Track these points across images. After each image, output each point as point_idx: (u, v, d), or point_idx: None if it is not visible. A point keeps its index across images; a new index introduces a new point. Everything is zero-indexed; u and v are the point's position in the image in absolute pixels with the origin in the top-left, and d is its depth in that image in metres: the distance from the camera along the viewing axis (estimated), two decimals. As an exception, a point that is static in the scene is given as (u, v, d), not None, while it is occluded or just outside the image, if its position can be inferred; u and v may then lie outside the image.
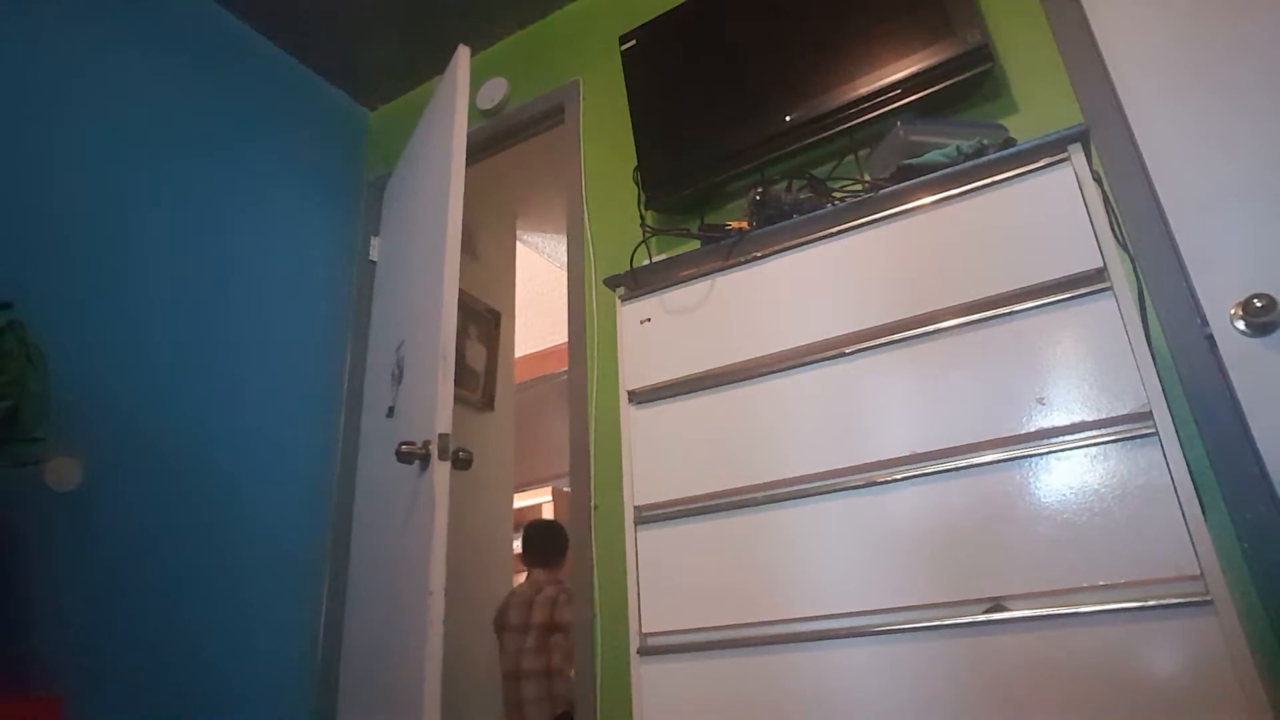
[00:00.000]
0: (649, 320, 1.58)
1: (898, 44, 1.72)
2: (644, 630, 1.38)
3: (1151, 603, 1.02)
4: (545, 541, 3.02)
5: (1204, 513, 1.04)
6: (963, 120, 1.70)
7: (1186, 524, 1.03)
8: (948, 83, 1.65)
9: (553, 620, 2.78)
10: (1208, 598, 0.99)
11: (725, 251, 1.54)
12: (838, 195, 1.54)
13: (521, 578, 3.17)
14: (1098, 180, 1.38)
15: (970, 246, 1.29)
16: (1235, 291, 1.30)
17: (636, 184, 2.08)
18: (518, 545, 3.29)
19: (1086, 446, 1.12)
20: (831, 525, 1.26)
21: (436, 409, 1.73)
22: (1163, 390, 1.10)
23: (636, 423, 1.52)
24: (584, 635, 1.87)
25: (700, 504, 1.40)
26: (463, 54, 2.11)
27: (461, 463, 1.74)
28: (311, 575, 2.32)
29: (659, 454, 1.47)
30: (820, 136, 1.78)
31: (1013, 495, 1.14)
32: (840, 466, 1.29)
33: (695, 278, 1.56)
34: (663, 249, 2.04)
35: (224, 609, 2.05)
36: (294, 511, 2.32)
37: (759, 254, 1.49)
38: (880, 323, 1.32)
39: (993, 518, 1.15)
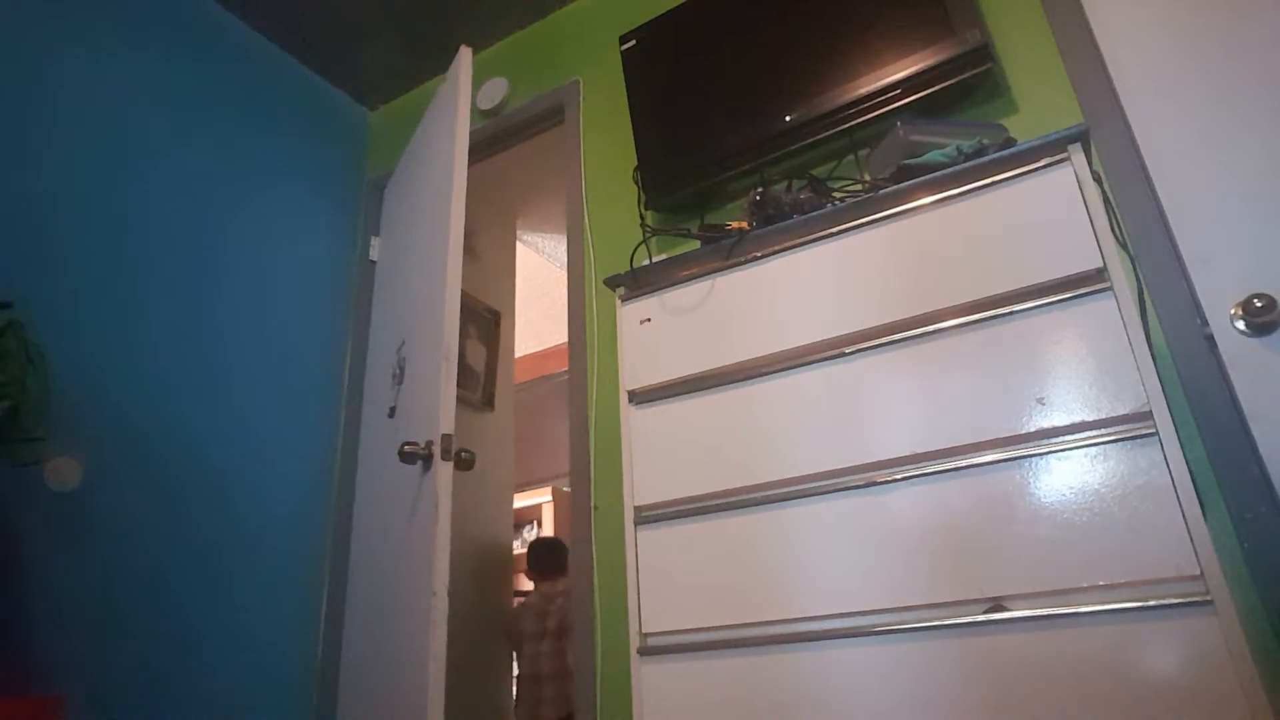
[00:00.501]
0: (649, 320, 1.58)
1: (898, 44, 1.72)
2: (644, 630, 1.38)
3: (1151, 603, 1.02)
4: (551, 556, 3.32)
5: (1204, 513, 1.04)
6: (963, 120, 1.70)
7: (1186, 524, 1.03)
8: (948, 83, 1.65)
9: (564, 626, 3.05)
10: (1208, 598, 0.99)
11: (725, 251, 1.54)
12: (838, 195, 1.54)
13: (521, 580, 3.26)
14: (1098, 180, 1.38)
15: (970, 246, 1.29)
16: (1235, 291, 1.30)
17: (636, 184, 2.09)
18: (518, 546, 3.35)
19: (1086, 446, 1.12)
20: (831, 525, 1.27)
21: (439, 409, 1.73)
22: (1163, 390, 1.10)
23: (636, 423, 1.52)
24: (584, 635, 1.87)
25: (700, 504, 1.40)
26: (465, 54, 2.11)
27: (464, 463, 1.74)
28: (311, 575, 2.32)
29: (659, 454, 1.47)
30: (820, 136, 1.78)
31: (1013, 495, 1.14)
32: (840, 466, 1.29)
33: (695, 278, 1.56)
34: (663, 249, 2.04)
35: (224, 609, 2.05)
36: (294, 511, 2.32)
37: (759, 254, 1.49)
38: (880, 323, 1.32)
39: (993, 518, 1.15)
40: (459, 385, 1.87)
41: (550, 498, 5.09)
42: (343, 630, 2.25)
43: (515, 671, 3.23)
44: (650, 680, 1.34)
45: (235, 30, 2.60)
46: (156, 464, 1.99)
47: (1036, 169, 1.27)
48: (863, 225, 1.40)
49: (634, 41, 2.17)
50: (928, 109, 1.69)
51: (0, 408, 1.42)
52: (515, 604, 3.42)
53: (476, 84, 2.65)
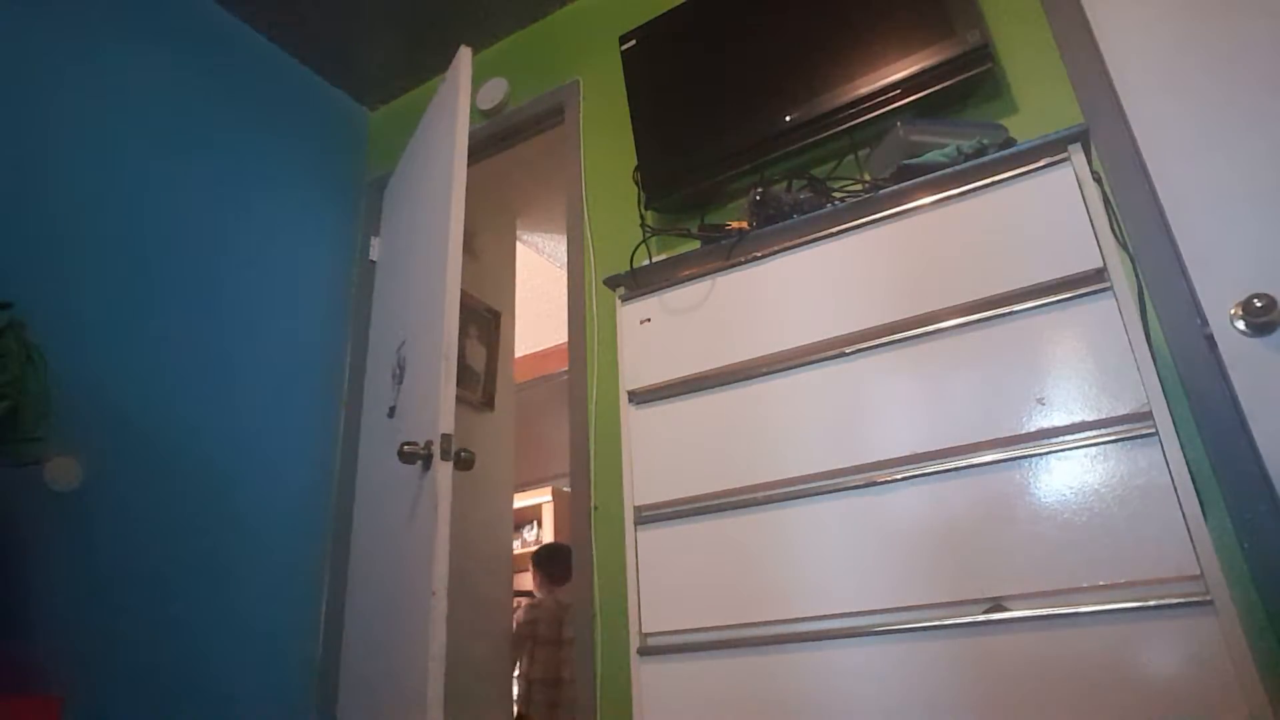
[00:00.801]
0: (649, 320, 1.58)
1: (898, 44, 1.72)
2: (644, 630, 1.38)
3: (1151, 603, 1.02)
4: (560, 562, 3.49)
5: (1204, 513, 1.04)
6: (963, 120, 1.70)
7: (1186, 524, 1.03)
8: (948, 83, 1.65)
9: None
10: (1208, 598, 0.99)
11: (725, 251, 1.54)
12: (838, 195, 1.54)
13: (519, 580, 3.36)
14: (1098, 180, 1.38)
15: (970, 246, 1.29)
16: (1235, 291, 1.29)
17: (636, 184, 2.08)
18: (518, 546, 3.39)
19: (1086, 446, 1.12)
20: (832, 525, 1.27)
21: (439, 409, 1.73)
22: (1163, 390, 1.10)
23: (636, 423, 1.52)
24: (584, 635, 1.87)
25: (700, 504, 1.40)
26: (464, 54, 2.11)
27: (463, 463, 1.74)
28: (311, 575, 2.32)
29: (659, 454, 1.47)
30: (820, 136, 1.78)
31: (1013, 495, 1.14)
32: (840, 466, 1.29)
33: (695, 278, 1.56)
34: (663, 249, 2.04)
35: (224, 609, 2.05)
36: (294, 511, 2.32)
37: (759, 254, 1.49)
38: (880, 323, 1.32)
39: (993, 518, 1.15)
40: (459, 385, 1.87)
41: (550, 498, 5.08)
42: (343, 630, 2.25)
43: (518, 671, 3.26)
44: (650, 680, 1.34)
45: (236, 31, 2.60)
46: (156, 464, 1.99)
47: (1036, 169, 1.27)
48: (863, 225, 1.40)
49: (634, 41, 2.17)
50: (928, 109, 1.69)
51: (0, 407, 1.42)
52: (525, 605, 3.48)
53: (476, 84, 2.65)
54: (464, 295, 2.96)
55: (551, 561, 3.57)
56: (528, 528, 5.12)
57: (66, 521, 1.79)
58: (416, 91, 3.00)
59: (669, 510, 1.43)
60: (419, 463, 1.79)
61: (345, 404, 2.56)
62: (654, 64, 2.12)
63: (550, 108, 2.52)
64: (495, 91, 2.64)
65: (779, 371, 1.40)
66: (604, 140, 2.35)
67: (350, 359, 2.62)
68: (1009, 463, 1.16)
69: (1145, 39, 1.50)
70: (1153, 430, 1.08)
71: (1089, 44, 1.62)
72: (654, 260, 1.65)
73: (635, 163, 2.10)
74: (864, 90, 1.73)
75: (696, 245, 1.61)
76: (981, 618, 1.12)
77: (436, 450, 1.70)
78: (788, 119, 1.82)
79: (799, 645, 1.23)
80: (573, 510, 2.00)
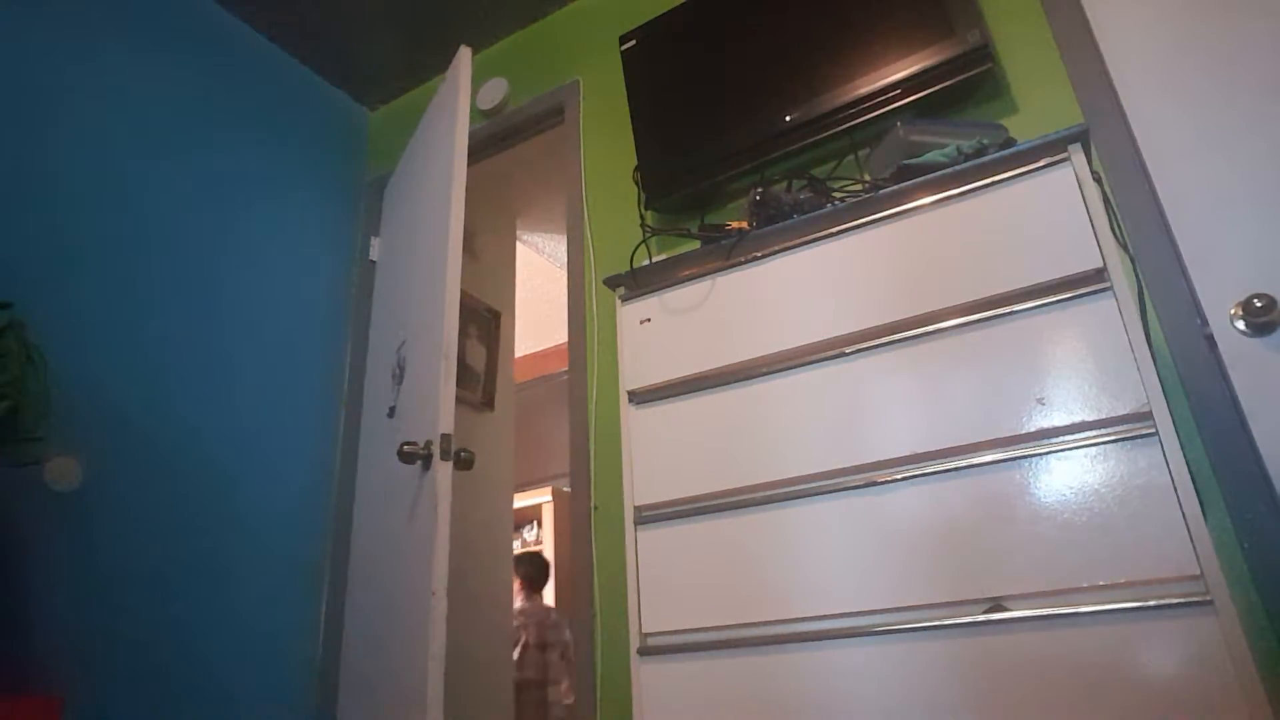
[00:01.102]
0: (649, 320, 1.58)
1: (898, 44, 1.72)
2: (644, 630, 1.38)
3: (1151, 603, 1.02)
4: (542, 571, 3.84)
5: (1204, 513, 1.04)
6: (963, 120, 1.70)
7: (1186, 524, 1.03)
8: (948, 83, 1.65)
9: (563, 639, 3.59)
10: (1208, 598, 0.99)
11: (725, 251, 1.54)
12: (838, 195, 1.54)
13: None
14: (1098, 180, 1.38)
15: (970, 246, 1.29)
16: (1235, 291, 1.29)
17: (636, 184, 2.08)
18: (518, 546, 3.50)
19: (1086, 446, 1.12)
20: (831, 525, 1.27)
21: (438, 409, 1.73)
22: (1163, 390, 1.10)
23: (636, 423, 1.52)
24: (584, 635, 1.87)
25: (700, 504, 1.40)
26: (464, 54, 2.11)
27: (463, 463, 1.74)
28: (311, 575, 2.32)
29: (659, 454, 1.47)
30: (820, 136, 1.78)
31: (1013, 495, 1.14)
32: (840, 466, 1.29)
33: (695, 278, 1.56)
34: (663, 249, 2.04)
35: (224, 609, 2.05)
36: (294, 511, 2.32)
37: (759, 254, 1.49)
38: (880, 323, 1.32)
39: (993, 518, 1.15)
40: (459, 385, 1.87)
41: (550, 498, 5.08)
42: (343, 630, 2.25)
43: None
44: (650, 680, 1.34)
45: (236, 31, 2.60)
46: (156, 464, 1.99)
47: (1036, 169, 1.27)
48: (863, 225, 1.40)
49: (634, 41, 2.17)
50: (928, 109, 1.69)
51: (0, 407, 1.42)
52: (515, 610, 3.59)
53: (476, 84, 2.65)
54: (464, 295, 2.96)
55: (533, 567, 3.82)
56: (528, 528, 5.12)
57: (66, 521, 1.79)
58: (416, 91, 3.00)
59: (669, 510, 1.43)
60: (419, 463, 1.79)
61: (345, 404, 2.56)
62: (654, 64, 2.12)
63: (550, 108, 2.52)
64: (495, 91, 2.64)
65: (779, 371, 1.40)
66: (604, 140, 2.35)
67: (350, 359, 2.62)
68: (1009, 463, 1.16)
69: (1145, 39, 1.50)
70: (1153, 430, 1.08)
71: (1089, 44, 1.62)
72: (654, 260, 1.65)
73: (635, 163, 2.10)
74: (864, 90, 1.73)
75: (696, 245, 1.61)
76: (981, 618, 1.12)
77: (436, 450, 1.70)
78: (788, 119, 1.82)
79: (799, 645, 1.23)
80: (573, 510, 2.00)
